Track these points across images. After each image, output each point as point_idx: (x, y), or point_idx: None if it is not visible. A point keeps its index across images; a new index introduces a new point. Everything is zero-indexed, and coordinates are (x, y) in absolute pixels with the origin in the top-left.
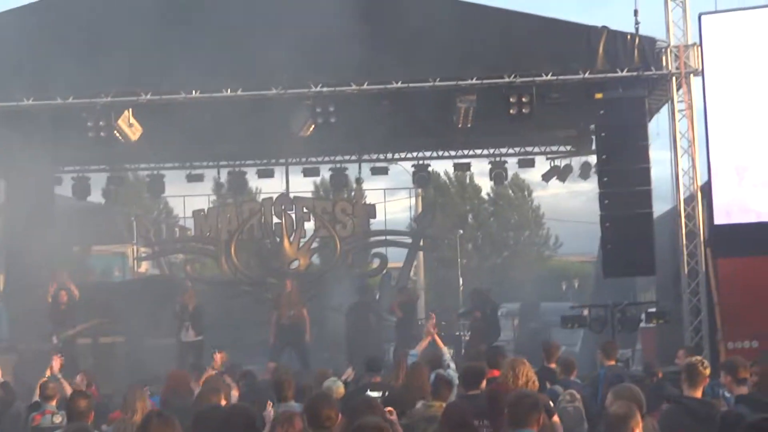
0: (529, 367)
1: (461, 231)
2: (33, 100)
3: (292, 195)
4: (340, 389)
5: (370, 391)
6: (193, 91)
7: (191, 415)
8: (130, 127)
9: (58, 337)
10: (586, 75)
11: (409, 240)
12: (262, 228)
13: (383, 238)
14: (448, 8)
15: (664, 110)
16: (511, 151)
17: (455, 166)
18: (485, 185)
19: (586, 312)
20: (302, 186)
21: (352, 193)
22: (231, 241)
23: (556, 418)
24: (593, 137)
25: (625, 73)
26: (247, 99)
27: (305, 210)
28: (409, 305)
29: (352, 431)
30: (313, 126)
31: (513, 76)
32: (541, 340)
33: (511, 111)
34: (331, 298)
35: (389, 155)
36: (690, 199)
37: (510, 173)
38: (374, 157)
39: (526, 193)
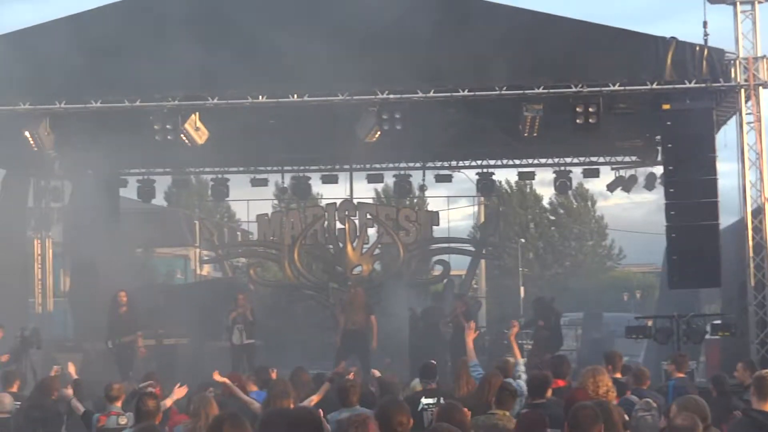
0: (609, 378)
1: (523, 240)
2: (101, 103)
3: (355, 201)
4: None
5: (425, 398)
6: (260, 96)
7: (248, 416)
8: (196, 130)
9: (113, 341)
10: (654, 86)
11: (471, 248)
12: (326, 233)
13: (446, 245)
14: (517, 17)
15: (732, 122)
16: (575, 160)
17: (519, 174)
18: (547, 194)
19: (650, 323)
20: (365, 192)
21: (415, 200)
22: (294, 245)
23: None
24: (659, 148)
25: (693, 85)
26: (313, 104)
27: (369, 216)
28: (469, 314)
29: None
30: (378, 132)
31: (580, 85)
32: (605, 350)
33: (578, 121)
34: (395, 305)
35: (453, 163)
36: (757, 212)
37: (574, 183)
38: (438, 164)
39: (589, 203)
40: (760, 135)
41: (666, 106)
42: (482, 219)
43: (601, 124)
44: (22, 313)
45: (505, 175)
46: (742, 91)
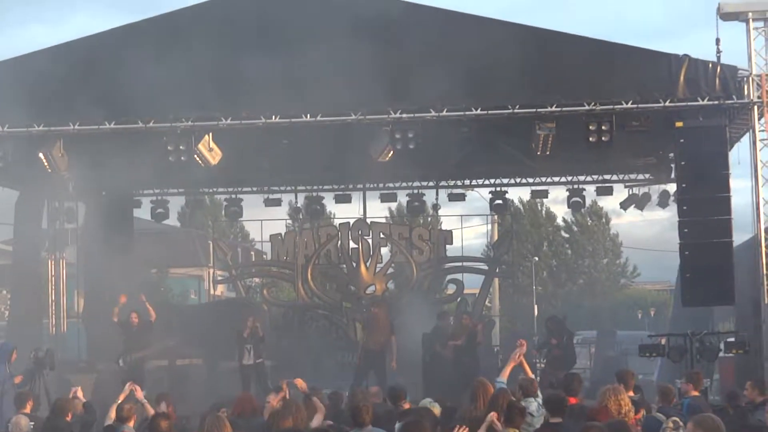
0: (627, 397)
1: (536, 258)
2: (114, 124)
3: (368, 220)
4: (436, 409)
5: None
6: (273, 116)
7: None
8: (210, 151)
9: (124, 360)
10: (667, 103)
11: (485, 267)
12: (339, 253)
13: (460, 264)
14: (528, 35)
15: (745, 139)
16: (589, 178)
17: (533, 193)
18: (560, 212)
19: (664, 341)
20: (378, 212)
21: (429, 219)
22: (308, 265)
23: None
24: (672, 165)
25: (705, 102)
26: (326, 124)
27: (382, 235)
28: (473, 332)
29: None
30: (391, 152)
31: (593, 103)
32: (618, 368)
33: (591, 139)
34: (408, 324)
35: (466, 182)
36: None
37: (587, 201)
38: (451, 183)
39: (603, 220)
40: None
41: (679, 124)
42: (495, 237)
43: (614, 142)
44: (35, 334)
45: (518, 194)
46: (755, 108)
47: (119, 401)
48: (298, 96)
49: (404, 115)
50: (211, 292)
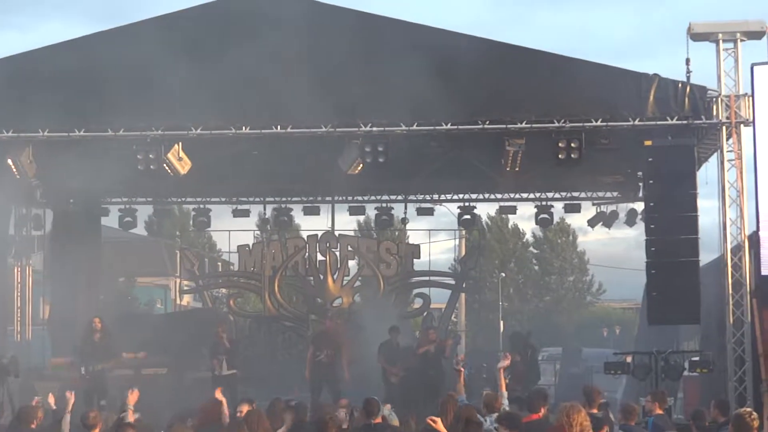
0: (585, 415)
1: (503, 274)
2: (84, 132)
3: (337, 233)
4: (395, 421)
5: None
6: (243, 127)
7: None
8: (179, 160)
9: (86, 369)
10: (636, 122)
11: (452, 281)
12: (307, 265)
13: (427, 278)
14: (500, 52)
15: (713, 159)
16: (557, 195)
17: (501, 209)
18: (528, 229)
19: (629, 359)
20: (347, 224)
21: (396, 233)
22: (275, 276)
23: None
24: (640, 184)
25: (675, 121)
26: (296, 136)
27: (350, 248)
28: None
29: None
30: (361, 165)
31: (563, 121)
32: (583, 385)
33: (560, 156)
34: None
35: (435, 196)
36: (737, 249)
37: (555, 218)
38: (420, 197)
39: (570, 238)
40: (741, 173)
41: (648, 143)
42: (463, 253)
43: (583, 160)
44: (0, 341)
45: (487, 209)
46: (724, 128)
47: (69, 410)
48: (268, 108)
49: (374, 129)
50: (178, 301)
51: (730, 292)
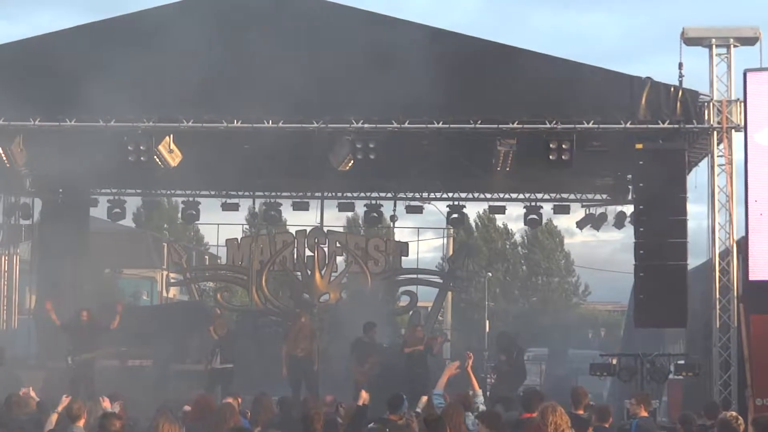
0: (561, 415)
1: (490, 274)
2: (75, 122)
3: (325, 229)
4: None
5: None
6: (235, 121)
7: None
8: (170, 153)
9: (73, 359)
10: (628, 125)
11: (439, 280)
12: (295, 260)
13: (414, 276)
14: (493, 52)
15: (704, 164)
16: (546, 196)
17: (490, 208)
18: (516, 229)
19: (614, 361)
20: (336, 220)
21: (385, 230)
22: (263, 271)
23: None
24: (630, 187)
25: (666, 125)
26: (288, 131)
27: (338, 244)
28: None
29: None
30: (352, 161)
31: (554, 122)
32: (568, 386)
33: (551, 157)
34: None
35: (425, 194)
36: (725, 254)
37: (544, 218)
38: (410, 195)
39: (557, 239)
40: (731, 178)
41: (639, 146)
42: (451, 251)
43: (574, 161)
44: None
45: (476, 209)
46: (715, 133)
47: (59, 410)
48: (260, 102)
49: (366, 125)
50: (164, 294)
51: (717, 296)
